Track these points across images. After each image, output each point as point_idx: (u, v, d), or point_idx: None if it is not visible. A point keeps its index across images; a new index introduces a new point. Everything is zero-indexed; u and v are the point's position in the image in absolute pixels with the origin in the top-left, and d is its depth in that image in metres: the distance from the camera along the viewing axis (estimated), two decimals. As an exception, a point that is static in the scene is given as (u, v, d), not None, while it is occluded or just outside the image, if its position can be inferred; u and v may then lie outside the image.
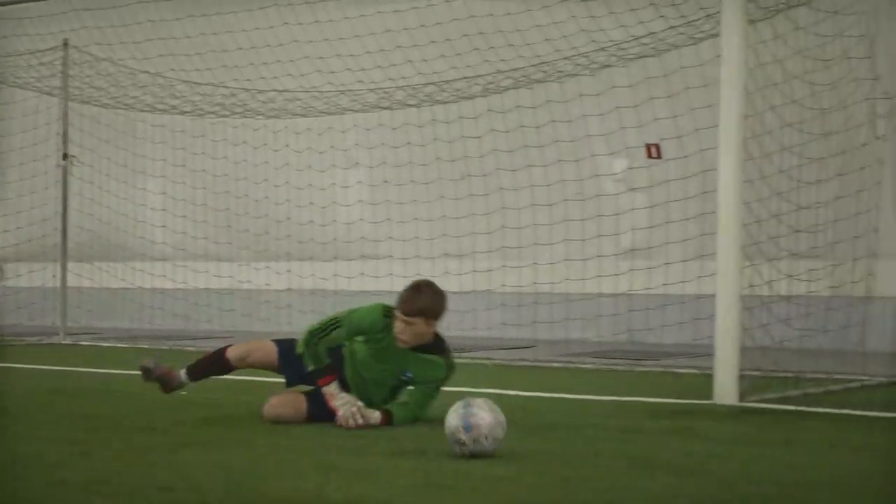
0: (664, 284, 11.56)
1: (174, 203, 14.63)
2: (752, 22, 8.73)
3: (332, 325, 6.98)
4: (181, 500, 4.74)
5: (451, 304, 6.72)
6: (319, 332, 6.94)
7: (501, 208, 12.38)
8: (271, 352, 7.27)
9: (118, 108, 14.05)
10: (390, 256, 13.16)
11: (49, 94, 14.16)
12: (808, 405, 8.10)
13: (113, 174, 15.20)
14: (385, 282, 13.04)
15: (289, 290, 13.76)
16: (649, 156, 12.59)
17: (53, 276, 14.68)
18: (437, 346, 6.99)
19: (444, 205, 12.62)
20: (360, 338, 6.99)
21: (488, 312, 12.60)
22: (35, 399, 8.40)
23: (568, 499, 4.86)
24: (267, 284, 13.84)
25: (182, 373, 7.48)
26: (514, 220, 12.27)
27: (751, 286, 9.06)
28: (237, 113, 13.07)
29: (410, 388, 7.02)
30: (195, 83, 12.81)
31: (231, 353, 7.34)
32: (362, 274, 13.14)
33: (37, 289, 15.73)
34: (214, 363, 7.43)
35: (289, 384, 7.31)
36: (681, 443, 6.41)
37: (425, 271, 12.73)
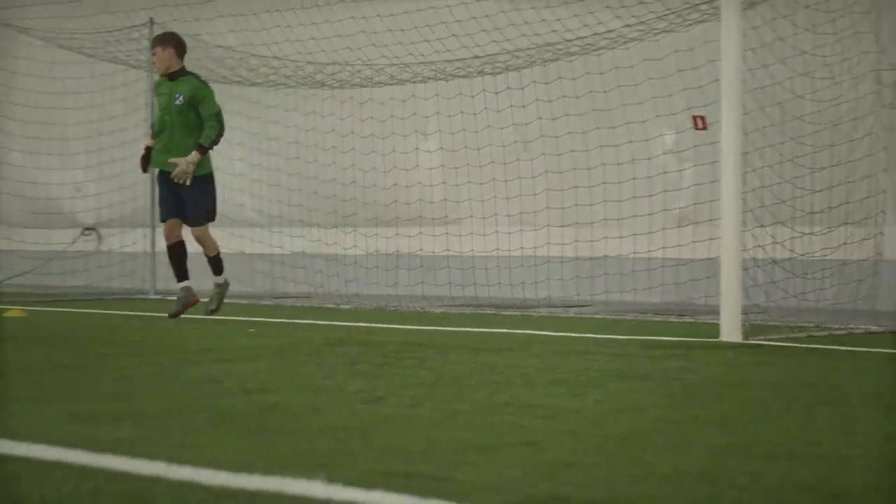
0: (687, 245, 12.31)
1: (253, 170, 15.60)
2: (753, 4, 9.65)
3: None
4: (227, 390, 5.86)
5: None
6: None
7: (545, 172, 13.30)
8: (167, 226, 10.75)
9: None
10: (446, 217, 14.12)
11: (137, 67, 15.27)
12: (805, 343, 8.99)
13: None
14: (441, 242, 14.05)
15: (376, 252, 14.61)
16: (696, 127, 13.37)
17: (144, 237, 15.68)
18: (184, 72, 10.57)
19: (494, 169, 13.60)
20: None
21: (536, 270, 13.49)
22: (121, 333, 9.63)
23: (548, 391, 5.88)
24: (354, 247, 14.68)
25: (181, 288, 10.76)
26: (557, 183, 13.19)
27: (761, 245, 9.99)
28: (305, 84, 14.14)
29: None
30: (264, 56, 13.91)
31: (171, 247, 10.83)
32: (420, 234, 14.13)
33: (128, 252, 16.68)
34: (176, 261, 10.80)
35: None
36: (667, 363, 7.38)
37: (478, 231, 13.76)
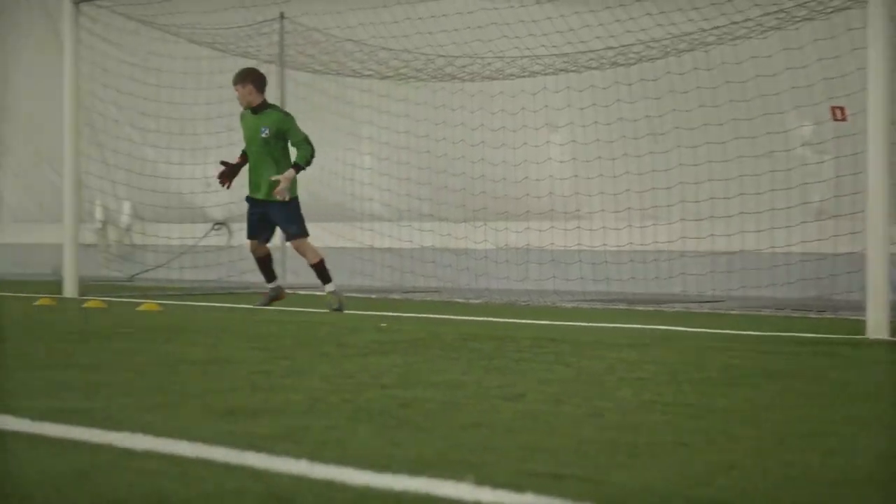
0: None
1: (382, 164, 15.56)
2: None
3: None
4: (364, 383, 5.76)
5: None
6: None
7: (679, 165, 13.04)
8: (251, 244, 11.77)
9: (327, 74, 15.11)
10: (577, 211, 13.92)
11: (268, 62, 15.30)
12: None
13: (325, 136, 16.18)
14: (573, 236, 13.86)
15: (506, 247, 14.45)
16: (835, 118, 12.98)
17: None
18: (266, 105, 11.21)
19: (627, 162, 13.38)
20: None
21: (670, 265, 13.25)
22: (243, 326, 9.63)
23: (695, 389, 5.67)
24: (484, 241, 14.56)
25: (270, 288, 11.93)
26: (691, 176, 12.91)
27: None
28: (435, 77, 14.04)
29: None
30: (394, 50, 13.82)
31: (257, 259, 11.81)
32: (552, 228, 13.96)
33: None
34: (262, 267, 11.84)
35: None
36: (813, 361, 7.12)
37: (610, 225, 13.54)
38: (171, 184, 17.10)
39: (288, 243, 11.94)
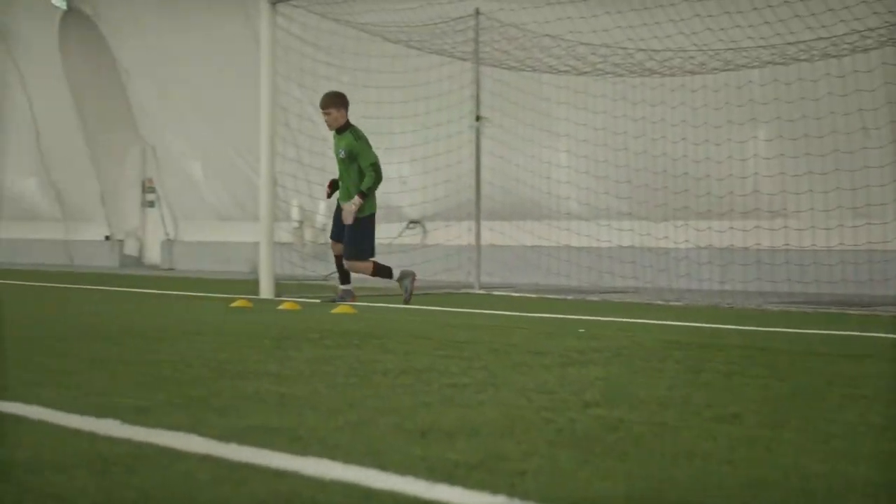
0: None
1: (579, 161, 15.22)
2: None
3: None
4: (564, 400, 5.42)
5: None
6: None
7: (894, 161, 12.38)
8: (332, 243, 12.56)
9: (523, 70, 14.81)
10: (783, 210, 13.36)
11: (462, 59, 15.09)
12: None
13: (521, 134, 15.93)
14: (779, 236, 13.28)
15: (708, 247, 13.98)
16: None
17: (468, 230, 15.54)
18: (346, 126, 12.23)
19: (837, 158, 12.76)
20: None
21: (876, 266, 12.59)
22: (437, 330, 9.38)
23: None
24: (686, 241, 14.11)
25: (342, 290, 12.58)
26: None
27: None
28: (634, 72, 13.61)
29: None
30: (593, 45, 13.43)
31: (336, 257, 12.51)
32: (757, 227, 13.42)
33: (453, 246, 16.58)
34: (340, 268, 12.47)
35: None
36: None
37: (820, 223, 12.92)
38: (366, 183, 16.99)
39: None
